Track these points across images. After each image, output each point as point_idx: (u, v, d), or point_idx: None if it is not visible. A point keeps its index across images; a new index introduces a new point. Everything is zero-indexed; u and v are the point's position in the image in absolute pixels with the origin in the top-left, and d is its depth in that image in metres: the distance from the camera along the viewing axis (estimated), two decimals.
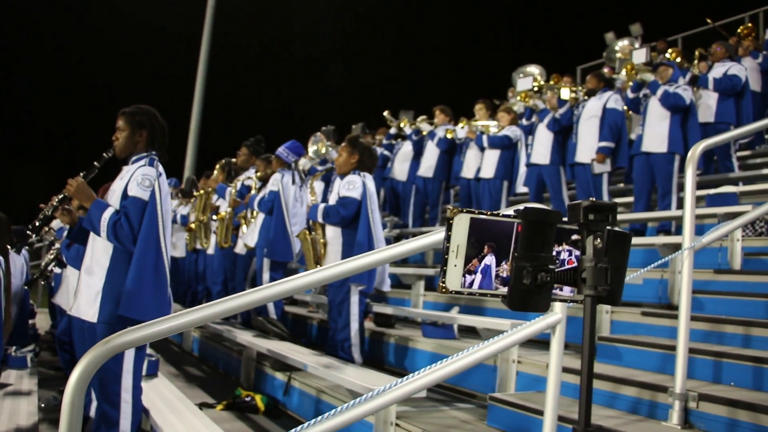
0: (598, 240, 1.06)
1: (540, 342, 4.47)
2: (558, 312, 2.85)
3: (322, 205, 5.50)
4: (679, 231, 6.54)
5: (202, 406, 5.15)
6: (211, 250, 7.93)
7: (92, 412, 4.19)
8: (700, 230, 4.69)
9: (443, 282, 1.12)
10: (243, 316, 7.02)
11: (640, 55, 7.71)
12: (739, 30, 9.70)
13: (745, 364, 3.52)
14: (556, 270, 1.09)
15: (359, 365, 5.14)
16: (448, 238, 1.10)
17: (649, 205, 6.97)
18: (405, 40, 23.71)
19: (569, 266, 1.11)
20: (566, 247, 1.14)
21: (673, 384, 3.27)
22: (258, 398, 5.33)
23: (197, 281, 8.83)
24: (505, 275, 1.12)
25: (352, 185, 5.31)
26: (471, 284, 1.13)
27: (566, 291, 1.16)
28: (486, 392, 4.18)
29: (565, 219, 1.13)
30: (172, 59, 20.93)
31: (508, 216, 1.11)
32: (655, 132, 6.88)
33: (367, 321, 6.28)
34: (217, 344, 7.29)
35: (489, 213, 1.11)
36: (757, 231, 5.77)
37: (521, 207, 1.08)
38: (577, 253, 1.12)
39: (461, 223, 1.10)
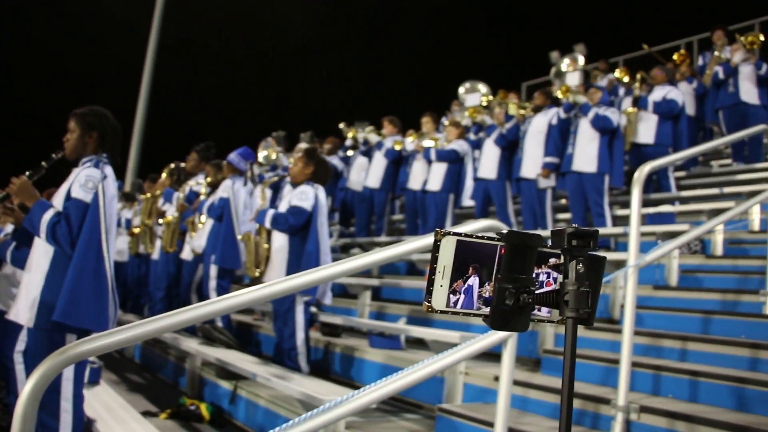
0: (580, 265, 1.11)
1: (486, 354, 4.55)
2: None
3: (271, 211, 5.49)
4: (617, 247, 6.77)
5: (146, 414, 5.04)
6: (155, 255, 7.79)
7: None
8: (640, 248, 4.86)
9: (429, 301, 1.15)
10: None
11: (573, 78, 7.97)
12: (674, 57, 10.11)
13: (682, 377, 3.66)
14: (537, 292, 1.14)
15: (306, 374, 5.13)
16: (434, 259, 1.13)
17: (586, 221, 7.18)
18: (355, 52, 23.78)
19: (549, 288, 1.15)
20: (545, 269, 1.19)
21: (616, 396, 3.38)
22: (203, 407, 5.26)
23: (139, 287, 8.66)
24: (487, 296, 1.15)
25: (304, 196, 5.34)
26: (455, 304, 1.16)
27: (544, 312, 1.21)
28: (433, 403, 4.23)
29: (546, 243, 1.17)
30: (117, 55, 20.48)
31: (492, 239, 1.15)
32: (585, 152, 7.10)
33: (314, 330, 6.27)
34: (161, 351, 7.15)
35: (475, 235, 1.15)
36: (692, 249, 6.00)
37: (505, 230, 1.12)
38: (555, 275, 1.17)
39: (448, 245, 1.13)
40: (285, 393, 4.52)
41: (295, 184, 5.52)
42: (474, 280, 1.15)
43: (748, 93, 8.46)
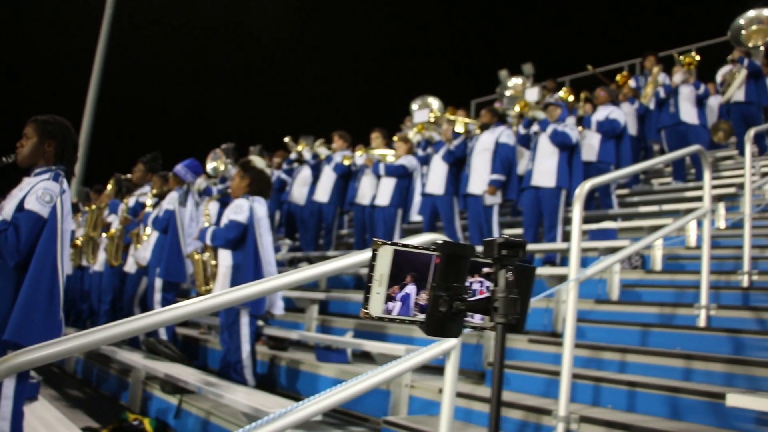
0: (510, 273, 1.16)
1: (431, 367, 4.60)
2: (453, 339, 2.97)
3: (211, 228, 5.54)
4: (563, 262, 6.92)
5: (86, 430, 4.93)
6: (98, 268, 7.64)
7: None
8: (583, 263, 4.99)
9: (366, 308, 1.19)
10: (131, 338, 6.80)
11: (532, 94, 8.15)
12: (617, 78, 10.45)
13: (620, 388, 3.77)
14: (470, 299, 1.18)
15: (252, 387, 5.10)
16: (372, 268, 1.17)
17: (537, 237, 7.33)
18: (308, 66, 23.83)
19: (481, 296, 1.20)
20: (478, 278, 1.24)
21: (557, 407, 3.46)
22: (146, 422, 5.16)
23: (82, 300, 8.46)
24: (423, 303, 1.20)
25: (239, 209, 5.38)
26: (392, 311, 1.20)
27: (477, 318, 1.25)
28: (379, 416, 4.25)
29: (478, 253, 1.22)
30: (64, 60, 20.05)
31: (428, 249, 1.20)
32: (544, 167, 7.26)
33: (261, 344, 6.23)
34: (103, 366, 7.00)
35: (411, 245, 1.19)
36: (632, 264, 6.18)
37: (440, 240, 1.17)
38: (488, 284, 1.22)
39: (385, 254, 1.17)
40: (231, 406, 4.48)
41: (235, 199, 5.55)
42: (411, 288, 1.19)
43: (688, 113, 8.79)
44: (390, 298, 1.18)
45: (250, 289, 2.27)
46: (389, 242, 1.17)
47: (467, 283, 1.20)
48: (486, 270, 1.23)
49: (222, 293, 2.21)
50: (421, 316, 1.20)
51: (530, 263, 6.08)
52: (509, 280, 1.16)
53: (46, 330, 3.29)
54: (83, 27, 16.92)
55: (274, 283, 2.34)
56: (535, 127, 7.68)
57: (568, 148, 7.29)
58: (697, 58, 9.25)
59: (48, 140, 3.61)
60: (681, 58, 9.24)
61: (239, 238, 5.34)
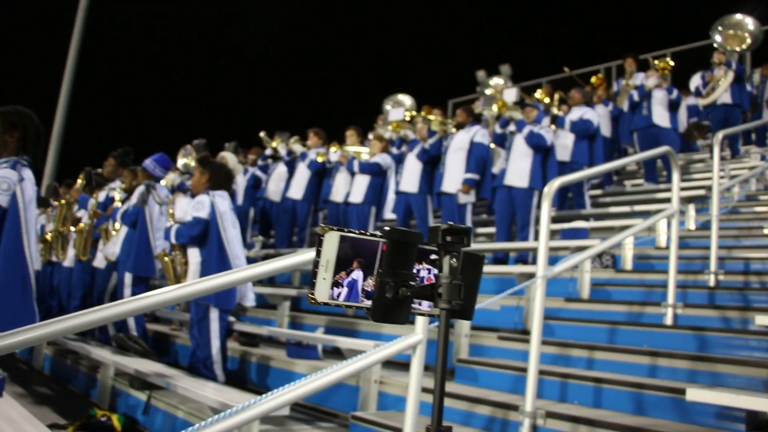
0: (454, 260, 1.17)
1: (401, 364, 4.61)
2: (419, 333, 2.98)
3: (175, 226, 5.52)
4: (536, 261, 6.96)
5: (53, 427, 4.87)
6: (68, 263, 7.55)
7: None
8: (554, 261, 5.03)
9: (312, 294, 1.19)
10: (101, 334, 6.73)
11: (510, 94, 8.20)
12: (592, 80, 10.54)
13: (587, 384, 3.81)
14: (416, 286, 1.19)
15: (222, 383, 5.08)
16: (318, 253, 1.17)
17: (510, 236, 7.37)
18: (283, 64, 23.74)
19: (428, 283, 1.21)
20: (426, 265, 1.25)
21: (524, 403, 3.49)
22: (115, 418, 5.11)
23: (51, 295, 8.36)
24: (369, 289, 1.20)
25: (200, 205, 5.36)
26: (338, 297, 1.20)
27: (425, 305, 1.26)
28: (348, 411, 4.25)
29: (425, 240, 1.23)
30: (37, 56, 19.80)
31: (375, 235, 1.21)
32: (518, 167, 7.31)
33: (232, 340, 6.21)
34: (71, 362, 6.92)
35: (357, 232, 1.19)
36: (603, 264, 6.25)
37: (387, 228, 1.18)
38: (436, 271, 1.23)
39: (331, 240, 1.18)
40: (199, 402, 4.46)
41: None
42: (358, 275, 1.20)
43: (660, 116, 8.89)
44: (337, 284, 1.19)
45: (213, 282, 2.26)
46: (335, 228, 1.18)
47: (414, 270, 1.21)
48: (433, 257, 1.25)
49: (184, 285, 2.20)
50: (368, 302, 1.20)
51: (505, 262, 6.14)
52: (453, 267, 1.17)
53: (21, 320, 3.24)
54: (57, 21, 16.73)
55: (238, 276, 2.34)
56: (511, 127, 7.72)
57: (542, 150, 7.35)
58: (671, 63, 9.37)
59: (10, 130, 3.59)
60: (656, 62, 9.35)
61: (202, 235, 5.32)
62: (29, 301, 3.36)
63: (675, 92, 9.00)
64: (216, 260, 5.21)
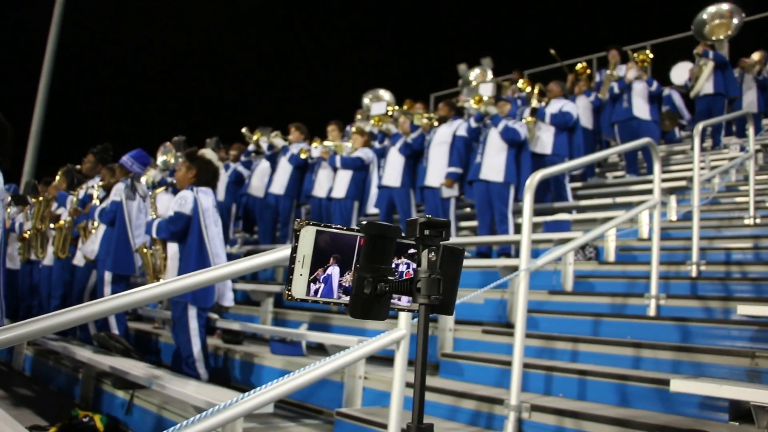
0: (432, 254, 1.15)
1: (386, 359, 4.59)
2: (402, 328, 2.97)
3: (157, 220, 5.44)
4: (519, 254, 6.97)
5: (34, 429, 4.81)
6: (48, 261, 7.46)
7: None
8: (537, 254, 5.04)
9: (289, 290, 1.17)
10: (82, 333, 6.66)
11: (487, 89, 8.19)
12: (577, 67, 10.55)
13: (572, 376, 3.82)
14: (395, 281, 1.17)
15: (205, 381, 5.04)
16: (294, 249, 1.15)
17: (492, 229, 7.38)
18: (264, 58, 23.60)
19: (406, 278, 1.19)
20: (404, 260, 1.23)
21: (509, 397, 3.49)
22: (97, 418, 5.06)
23: (31, 294, 8.26)
24: (347, 285, 1.18)
25: (183, 201, 5.28)
26: (315, 293, 1.18)
27: (404, 301, 1.24)
28: (333, 408, 4.23)
29: (403, 234, 1.21)
30: (14, 49, 19.53)
31: (352, 230, 1.18)
32: (493, 162, 7.31)
33: (215, 337, 6.16)
34: (53, 362, 6.84)
35: (335, 226, 1.17)
36: (587, 256, 6.27)
37: (364, 222, 1.15)
38: (414, 265, 1.21)
39: (307, 235, 1.15)
40: (182, 400, 4.41)
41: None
42: (334, 270, 1.18)
43: (640, 109, 8.93)
44: (314, 279, 1.17)
45: (192, 279, 2.23)
46: (312, 222, 1.15)
47: (393, 265, 1.19)
48: (412, 251, 1.22)
49: (163, 283, 2.17)
50: (346, 298, 1.18)
51: (488, 255, 6.13)
52: (432, 261, 1.15)
53: None
54: (33, 17, 16.51)
55: (217, 273, 2.31)
56: (487, 121, 7.72)
57: (516, 144, 7.36)
58: (651, 55, 9.41)
59: None
60: (635, 55, 9.39)
61: (183, 230, 5.26)
62: None
63: (655, 84, 9.04)
64: (195, 257, 5.15)
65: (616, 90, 9.13)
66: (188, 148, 8.90)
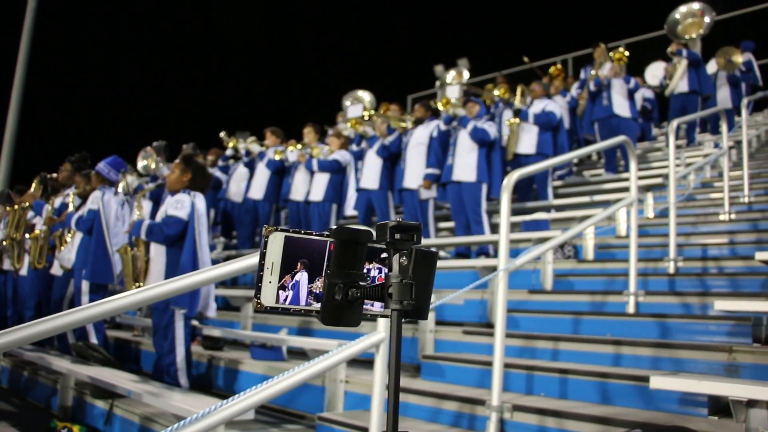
0: (404, 258, 1.13)
1: (368, 362, 4.57)
2: (381, 331, 2.96)
3: (146, 222, 5.29)
4: (497, 254, 6.98)
5: None
6: (23, 272, 7.35)
7: None
8: (516, 254, 5.05)
9: (258, 298, 1.15)
10: (60, 343, 6.57)
11: (453, 91, 8.21)
12: (551, 70, 10.61)
13: (553, 375, 3.83)
14: (367, 286, 1.16)
15: (186, 390, 4.98)
16: (263, 256, 1.13)
17: (468, 230, 7.38)
18: (238, 62, 23.49)
19: (379, 283, 1.17)
20: (376, 265, 1.21)
21: (491, 397, 3.48)
22: (76, 429, 4.99)
23: (6, 305, 8.13)
24: (318, 292, 1.16)
25: (180, 204, 5.15)
26: (285, 300, 1.16)
27: (377, 306, 1.22)
28: (315, 412, 4.22)
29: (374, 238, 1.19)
30: None
31: (322, 235, 1.17)
32: (464, 162, 7.33)
33: (195, 344, 6.11)
34: (30, 373, 6.74)
35: (303, 231, 1.15)
36: (566, 254, 6.30)
37: (333, 227, 1.14)
38: (386, 270, 1.19)
39: (276, 241, 1.14)
40: (163, 410, 4.37)
41: (172, 193, 5.34)
42: (302, 276, 1.16)
43: (620, 106, 8.97)
44: (283, 287, 1.15)
45: (173, 285, 2.20)
46: (280, 228, 1.14)
47: (365, 270, 1.18)
48: (384, 255, 1.21)
49: (143, 289, 2.13)
50: (317, 305, 1.16)
51: (467, 256, 6.14)
52: (403, 265, 1.14)
53: None
54: (5, 22, 16.30)
55: (198, 278, 2.27)
56: (455, 123, 7.73)
57: (486, 144, 7.37)
58: (626, 53, 9.47)
59: None
60: (611, 54, 9.44)
61: (179, 235, 5.13)
62: None
63: (632, 81, 9.09)
64: (188, 263, 5.01)
65: (593, 88, 9.19)
66: (170, 154, 8.85)
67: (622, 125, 8.81)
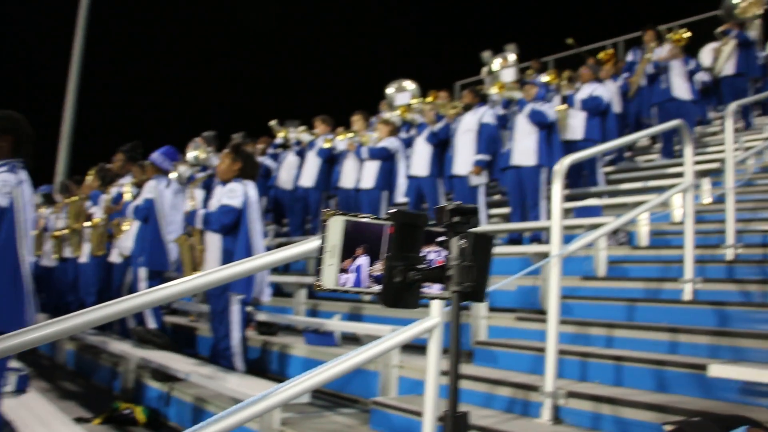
0: (463, 240, 1.15)
1: (421, 348, 4.60)
2: (435, 316, 2.97)
3: (201, 211, 5.40)
4: (550, 240, 6.90)
5: (78, 420, 4.94)
6: (84, 259, 7.60)
7: None
8: (569, 240, 4.99)
9: (319, 281, 1.18)
10: (120, 327, 6.78)
11: (508, 75, 8.11)
12: (600, 55, 10.38)
13: (607, 362, 3.79)
14: (425, 269, 1.17)
15: (242, 373, 5.10)
16: (323, 239, 1.16)
17: (524, 216, 7.32)
18: (288, 52, 23.69)
19: (437, 265, 1.19)
20: (434, 248, 1.23)
21: (544, 383, 3.47)
22: (138, 410, 5.18)
23: (69, 291, 8.43)
24: (378, 274, 1.19)
25: (233, 193, 5.25)
26: (345, 283, 1.19)
27: (435, 288, 1.24)
28: (369, 397, 4.27)
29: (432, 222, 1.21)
30: (42, 54, 19.87)
31: (380, 219, 1.19)
32: (523, 146, 7.24)
33: (250, 329, 6.23)
34: (94, 356, 7.00)
35: (362, 216, 1.18)
36: (619, 241, 6.20)
37: (393, 210, 1.16)
38: (445, 253, 1.21)
39: (336, 225, 1.16)
40: (220, 393, 4.49)
41: (224, 182, 5.44)
42: (364, 260, 1.18)
43: (680, 89, 8.70)
44: (343, 270, 1.17)
45: (228, 271, 2.24)
46: (340, 212, 1.16)
47: (422, 253, 1.19)
48: (441, 239, 1.22)
49: (197, 276, 2.18)
50: (377, 288, 1.19)
51: (520, 242, 6.10)
52: (463, 248, 1.15)
53: (11, 314, 3.37)
54: (61, 16, 16.76)
55: (253, 264, 2.31)
56: (513, 108, 7.65)
57: (546, 127, 7.28)
58: (686, 34, 9.16)
59: (3, 135, 3.68)
60: (670, 35, 9.17)
61: (234, 223, 5.23)
62: (21, 299, 3.44)
63: (693, 63, 8.83)
64: (242, 250, 5.12)
65: (651, 70, 8.95)
66: (219, 144, 9.00)
67: (682, 109, 8.55)
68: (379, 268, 1.19)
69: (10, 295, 3.39)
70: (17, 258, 3.45)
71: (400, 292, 1.15)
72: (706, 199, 6.80)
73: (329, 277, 1.17)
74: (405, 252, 1.15)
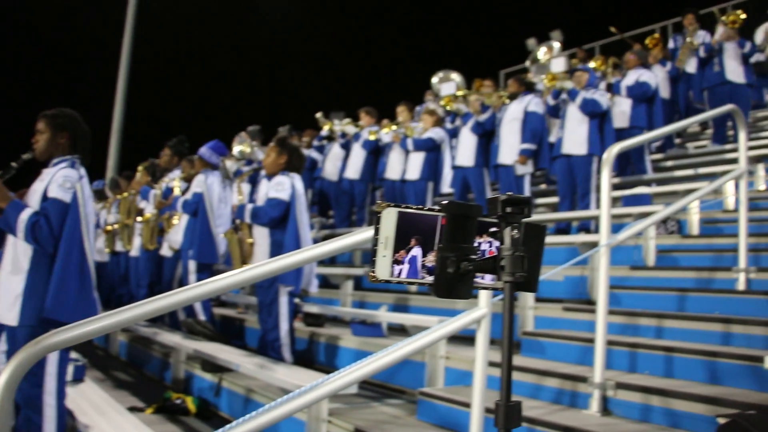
0: (515, 231, 1.15)
1: (467, 338, 4.60)
2: (483, 307, 2.96)
3: (249, 206, 5.47)
4: (598, 230, 6.81)
5: (132, 409, 5.06)
6: (135, 253, 7.78)
7: None
8: (617, 229, 4.92)
9: (373, 272, 1.19)
10: (171, 319, 6.93)
11: (558, 65, 7.99)
12: (647, 41, 10.15)
13: (657, 353, 3.72)
14: (478, 260, 1.18)
15: (290, 364, 5.16)
16: (377, 231, 1.17)
17: (573, 205, 7.23)
18: (332, 44, 23.74)
19: (490, 256, 1.19)
20: (486, 238, 1.23)
21: (593, 374, 3.44)
22: (189, 400, 5.28)
23: (120, 284, 8.65)
24: (430, 265, 1.19)
25: (280, 186, 5.29)
26: (399, 274, 1.20)
27: (488, 279, 1.24)
28: (416, 388, 4.27)
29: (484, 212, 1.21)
30: (92, 55, 20.32)
31: (433, 210, 1.19)
32: (575, 135, 7.14)
33: (297, 321, 6.30)
34: (145, 347, 7.16)
35: (415, 207, 1.18)
36: (669, 230, 6.08)
37: (445, 201, 1.16)
38: (497, 243, 1.21)
39: (389, 217, 1.17)
40: (269, 383, 4.55)
41: (270, 176, 5.49)
42: (417, 251, 1.19)
43: (734, 72, 8.45)
44: (397, 261, 1.18)
45: (276, 263, 2.28)
46: (393, 204, 1.17)
47: (475, 243, 1.20)
48: (494, 229, 1.22)
49: (246, 269, 2.21)
50: (430, 278, 1.19)
51: (568, 232, 6.03)
52: (515, 238, 1.15)
53: (80, 307, 3.46)
54: (109, 15, 17.10)
55: (302, 256, 2.34)
56: (564, 96, 7.54)
57: (598, 115, 7.16)
58: (742, 16, 8.86)
59: (60, 132, 3.79)
60: (723, 17, 8.89)
61: (282, 216, 5.28)
62: (88, 289, 3.56)
63: (748, 45, 8.56)
64: (291, 243, 5.16)
65: (702, 54, 8.71)
66: (264, 138, 9.09)
67: (735, 92, 8.30)
68: (431, 259, 1.19)
69: (77, 289, 3.50)
70: (83, 252, 3.56)
71: (453, 283, 1.15)
72: (761, 185, 6.62)
73: (383, 269, 1.19)
74: (458, 243, 1.15)
